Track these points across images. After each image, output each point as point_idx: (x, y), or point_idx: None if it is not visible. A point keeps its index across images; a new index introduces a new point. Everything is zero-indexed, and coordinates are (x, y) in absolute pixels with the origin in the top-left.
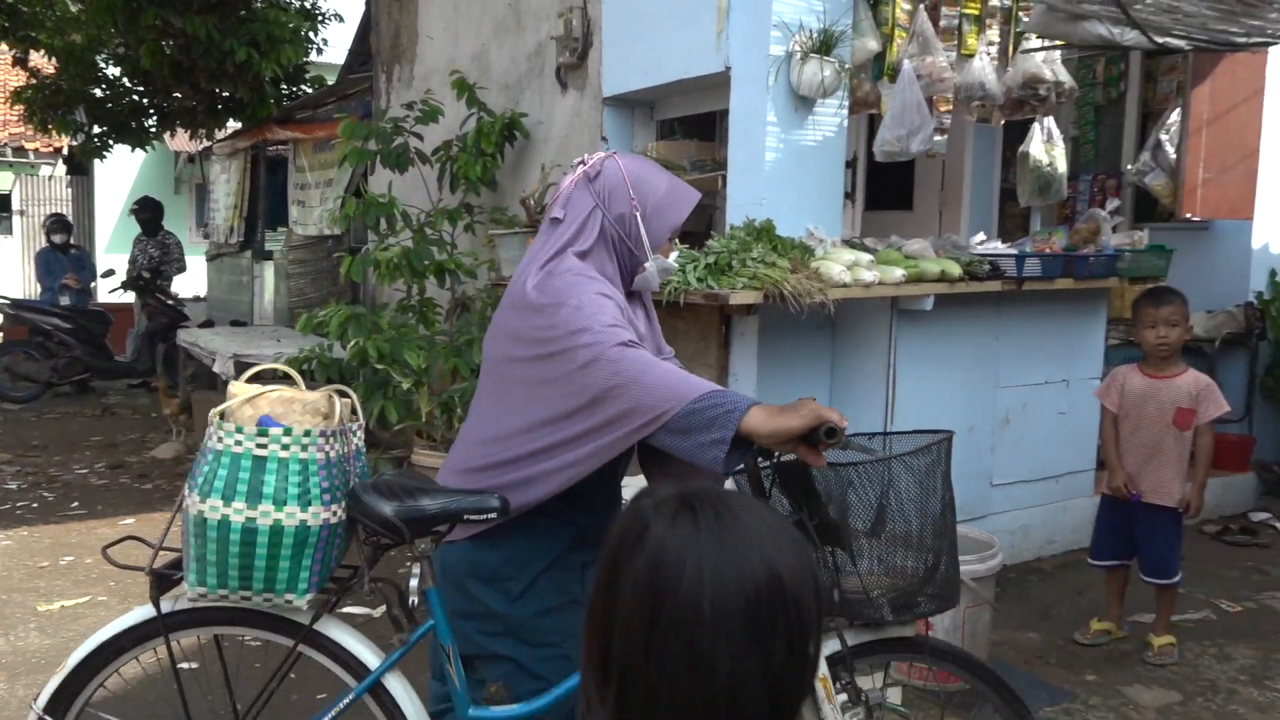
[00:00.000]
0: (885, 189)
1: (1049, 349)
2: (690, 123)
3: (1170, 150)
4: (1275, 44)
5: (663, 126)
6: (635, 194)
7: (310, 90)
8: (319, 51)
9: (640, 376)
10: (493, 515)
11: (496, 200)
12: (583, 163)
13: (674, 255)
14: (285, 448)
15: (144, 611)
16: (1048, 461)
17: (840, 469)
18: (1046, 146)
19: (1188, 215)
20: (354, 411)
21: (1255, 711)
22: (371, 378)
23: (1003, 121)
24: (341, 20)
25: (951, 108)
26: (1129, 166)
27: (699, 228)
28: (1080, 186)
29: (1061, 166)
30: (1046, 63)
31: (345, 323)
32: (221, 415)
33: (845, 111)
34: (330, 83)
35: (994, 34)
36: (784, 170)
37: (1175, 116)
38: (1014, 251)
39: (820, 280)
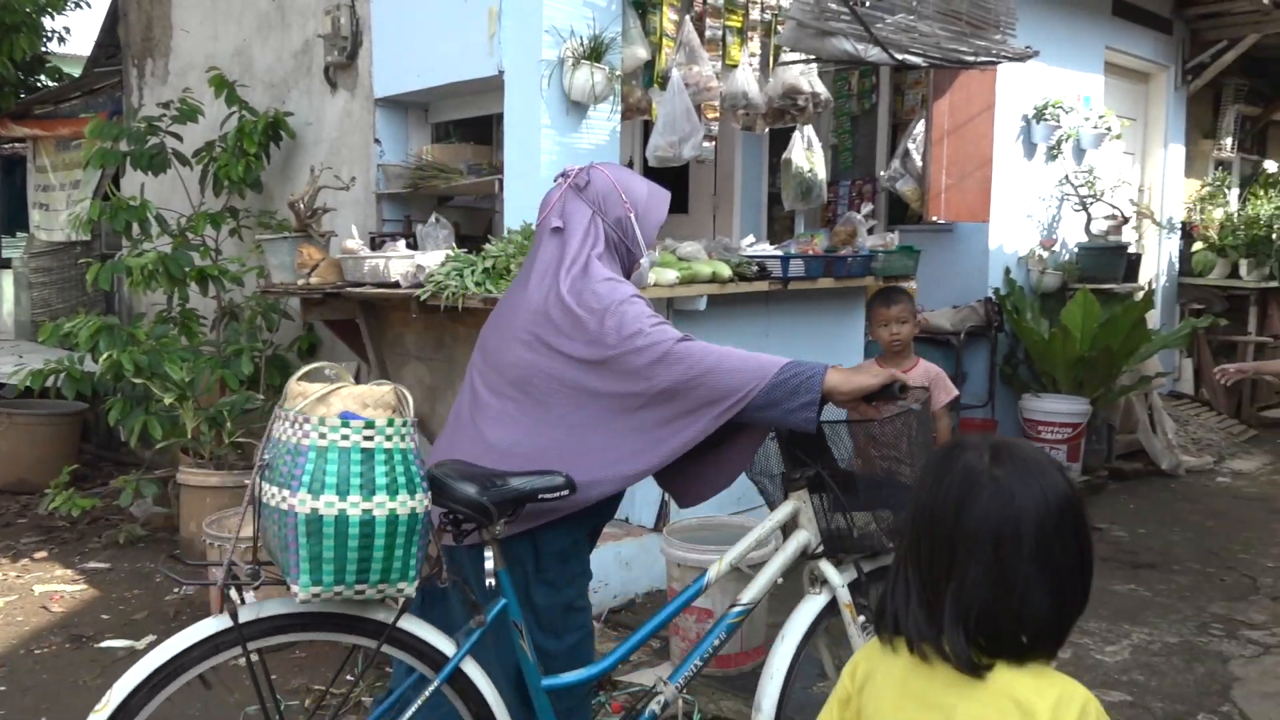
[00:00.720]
0: None
1: (814, 344)
2: (466, 126)
3: (917, 158)
4: (1000, 63)
5: (438, 129)
6: (627, 198)
7: (51, 83)
8: (60, 41)
9: (717, 365)
10: (565, 492)
11: (264, 203)
12: (565, 175)
13: (657, 251)
14: (389, 438)
15: (217, 622)
16: None
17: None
18: (807, 154)
19: (934, 218)
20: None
21: None
22: (130, 392)
23: (766, 129)
24: (89, 6)
25: (718, 115)
26: (882, 173)
27: (477, 231)
28: (840, 191)
29: (821, 172)
30: (804, 75)
31: (96, 334)
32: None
33: (618, 117)
34: (75, 75)
35: (755, 46)
36: (553, 174)
37: (920, 127)
38: (779, 253)
39: None
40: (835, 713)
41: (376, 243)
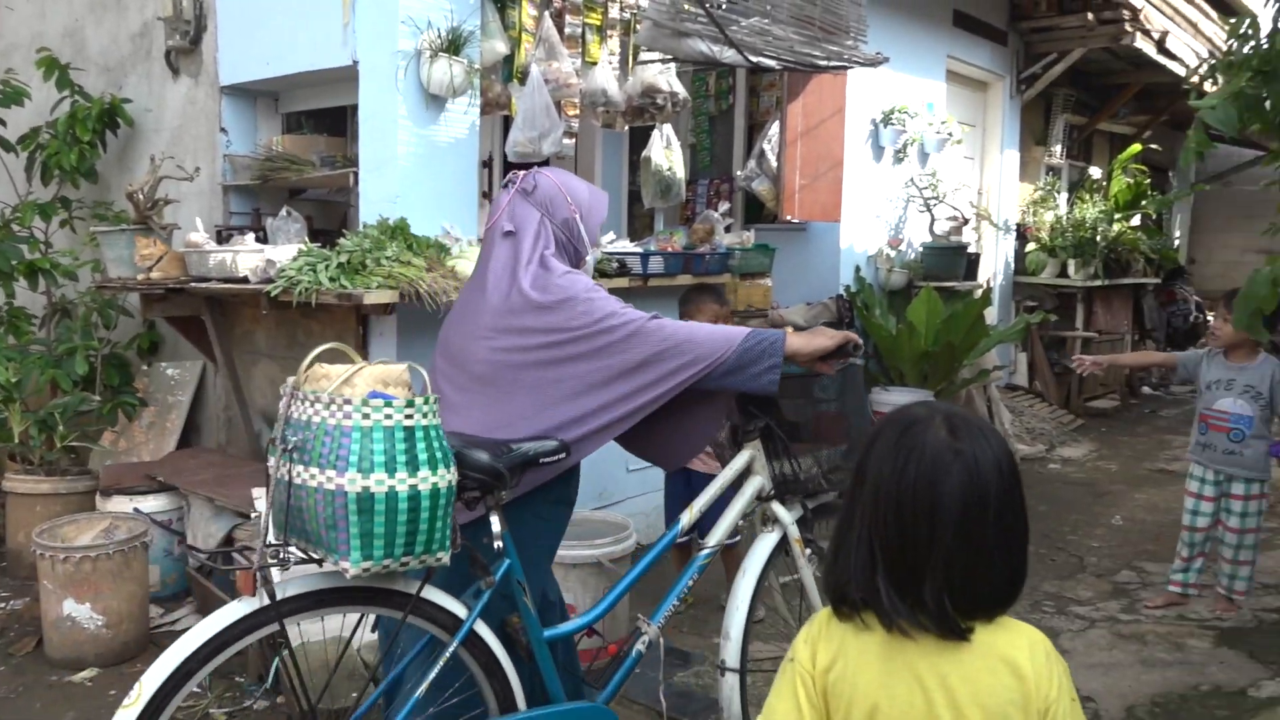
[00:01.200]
0: None
1: None
2: (319, 116)
3: (772, 159)
4: (852, 67)
5: (289, 119)
6: (572, 200)
7: None
8: None
9: (690, 336)
10: (562, 455)
11: (99, 194)
12: (512, 181)
13: (599, 250)
14: (424, 416)
15: (246, 605)
16: None
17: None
18: (666, 152)
19: (788, 217)
20: None
21: None
22: None
23: (626, 127)
24: None
25: (579, 112)
26: (739, 172)
27: (331, 225)
28: (698, 190)
29: (680, 171)
30: (662, 74)
31: None
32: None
33: (477, 112)
34: None
35: (615, 44)
36: (417, 168)
37: (775, 129)
38: (639, 250)
39: (457, 279)
40: (797, 694)
41: (223, 236)
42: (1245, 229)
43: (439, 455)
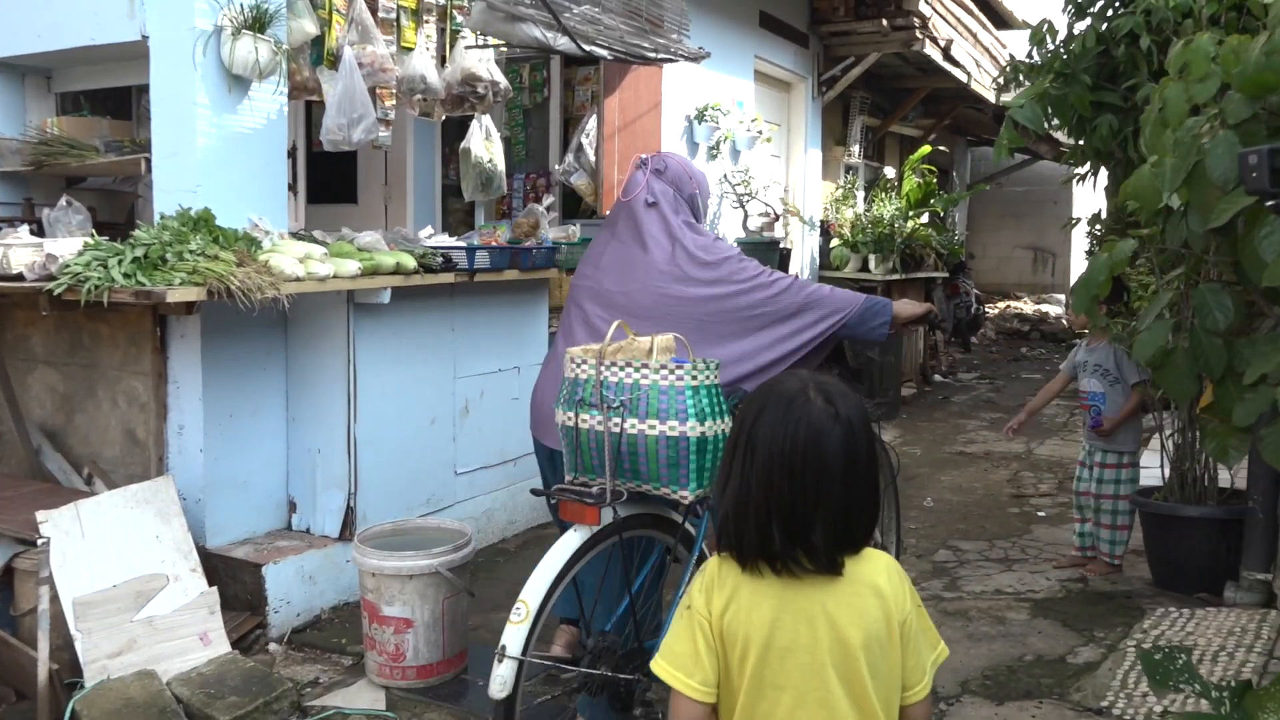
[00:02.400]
0: (327, 181)
1: (500, 336)
2: (99, 97)
3: (590, 153)
4: (676, 60)
5: (65, 99)
6: (693, 178)
7: None
8: None
9: (828, 293)
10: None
11: None
12: (645, 163)
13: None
14: (715, 377)
15: (580, 533)
16: (506, 446)
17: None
18: (486, 144)
19: (608, 212)
20: None
21: None
22: None
23: (444, 117)
24: None
25: (395, 100)
26: (556, 166)
27: (117, 217)
28: (514, 183)
29: (501, 163)
30: (483, 62)
31: None
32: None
33: (284, 96)
34: None
35: (431, 30)
36: (219, 155)
37: (593, 123)
38: (465, 244)
39: (271, 274)
40: (695, 637)
41: None
42: (1015, 227)
43: (723, 406)
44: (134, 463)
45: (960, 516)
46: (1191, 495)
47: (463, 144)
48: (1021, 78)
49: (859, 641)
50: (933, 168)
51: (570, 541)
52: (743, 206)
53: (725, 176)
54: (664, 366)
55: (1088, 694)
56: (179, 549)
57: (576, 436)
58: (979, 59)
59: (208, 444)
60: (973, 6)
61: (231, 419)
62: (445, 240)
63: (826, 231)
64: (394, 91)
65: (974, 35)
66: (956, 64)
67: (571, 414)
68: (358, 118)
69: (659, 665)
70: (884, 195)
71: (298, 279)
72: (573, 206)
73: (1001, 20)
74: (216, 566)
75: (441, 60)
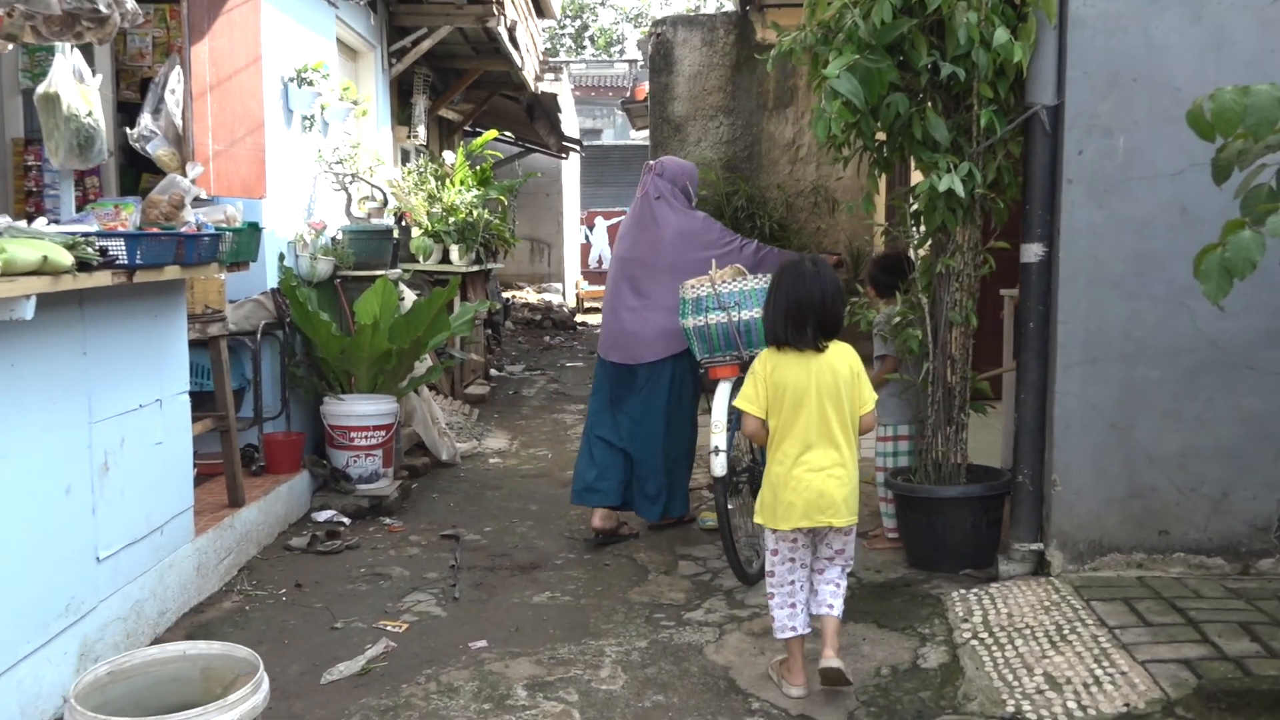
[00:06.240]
0: None
1: (140, 362)
2: None
3: (176, 115)
4: None
5: None
6: (684, 174)
7: None
8: None
9: (766, 252)
10: None
11: None
12: (650, 167)
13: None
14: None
15: (729, 382)
16: (153, 511)
17: None
18: (81, 90)
19: (202, 192)
20: None
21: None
22: None
23: (9, 48)
24: None
25: None
26: (129, 130)
27: None
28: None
29: (102, 118)
30: None
31: None
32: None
33: None
34: None
35: None
36: None
37: (177, 76)
38: (125, 232)
39: None
40: (758, 385)
41: None
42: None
43: None
44: None
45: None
46: (945, 476)
47: (42, 88)
48: (796, 49)
49: (834, 381)
50: (499, 154)
51: (724, 389)
52: (345, 189)
53: (321, 153)
54: (756, 277)
55: (982, 702)
56: None
57: (707, 331)
58: (527, 45)
59: None
60: None
61: None
62: (82, 227)
63: (400, 219)
64: None
65: (526, 21)
66: (518, 47)
67: (702, 318)
68: None
69: (740, 401)
70: (452, 183)
71: None
72: (130, 185)
73: (541, 9)
74: None
75: None
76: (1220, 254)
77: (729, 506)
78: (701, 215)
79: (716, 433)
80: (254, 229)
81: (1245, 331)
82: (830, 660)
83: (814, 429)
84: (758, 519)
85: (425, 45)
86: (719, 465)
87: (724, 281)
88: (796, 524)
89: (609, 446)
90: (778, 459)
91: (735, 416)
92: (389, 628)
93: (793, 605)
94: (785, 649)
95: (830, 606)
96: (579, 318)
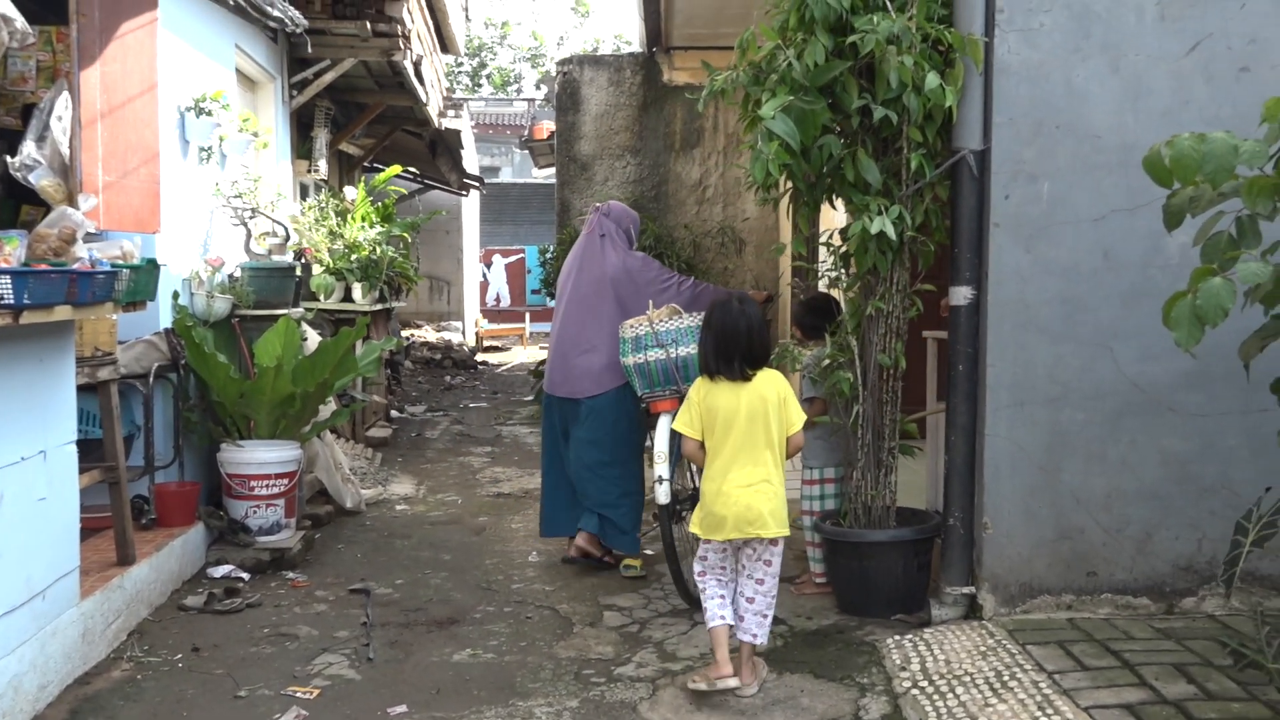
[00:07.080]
0: None
1: (21, 409)
2: None
3: (63, 144)
4: None
5: None
6: (626, 218)
7: None
8: None
9: (701, 289)
10: None
11: None
12: (597, 209)
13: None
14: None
15: (669, 415)
16: (34, 574)
17: None
18: None
19: (92, 226)
20: None
21: None
22: None
23: None
24: None
25: None
26: (10, 159)
27: None
28: None
29: None
30: None
31: None
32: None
33: None
34: None
35: None
36: None
37: (64, 102)
38: (11, 269)
39: None
40: (694, 410)
41: None
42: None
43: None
44: None
45: (583, 568)
46: (875, 519)
47: None
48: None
49: (763, 406)
50: (401, 189)
51: (665, 421)
52: (244, 224)
53: (219, 187)
54: (690, 315)
55: None
56: None
57: (647, 367)
58: (432, 81)
59: None
60: (428, 27)
61: None
62: None
63: (300, 256)
64: None
65: (431, 56)
66: (423, 82)
67: (641, 355)
68: None
69: (677, 424)
70: (354, 219)
71: None
72: (9, 218)
73: (445, 45)
74: None
75: None
76: (1191, 301)
77: (674, 535)
78: (641, 255)
79: (660, 463)
80: (153, 266)
81: (1166, 374)
82: (733, 681)
83: (743, 449)
84: (692, 528)
85: (328, 78)
86: (663, 493)
87: (661, 320)
88: (728, 535)
89: (563, 478)
90: (710, 476)
91: (678, 448)
92: (299, 694)
93: (721, 596)
94: (710, 641)
95: (754, 636)
96: (480, 356)
